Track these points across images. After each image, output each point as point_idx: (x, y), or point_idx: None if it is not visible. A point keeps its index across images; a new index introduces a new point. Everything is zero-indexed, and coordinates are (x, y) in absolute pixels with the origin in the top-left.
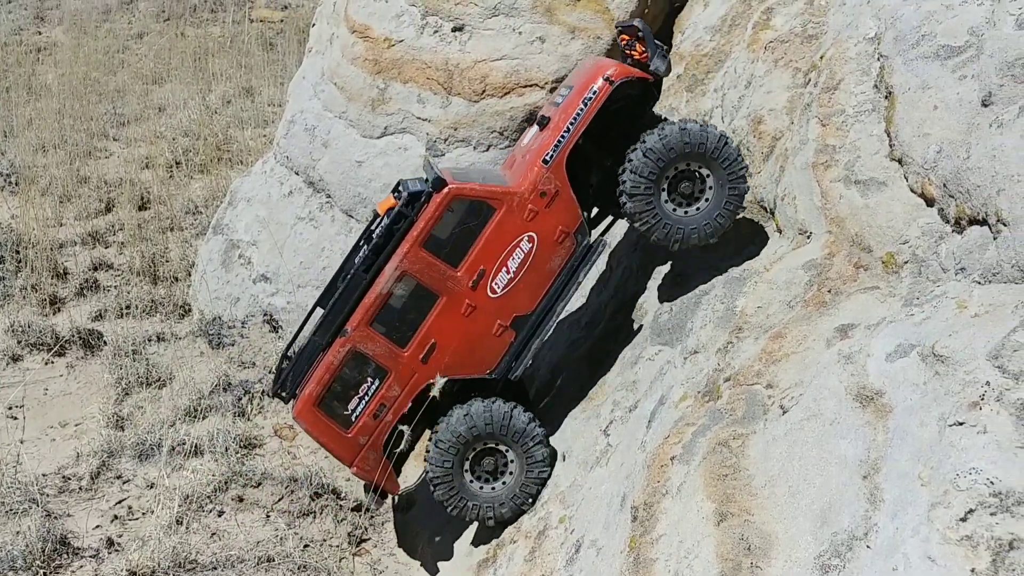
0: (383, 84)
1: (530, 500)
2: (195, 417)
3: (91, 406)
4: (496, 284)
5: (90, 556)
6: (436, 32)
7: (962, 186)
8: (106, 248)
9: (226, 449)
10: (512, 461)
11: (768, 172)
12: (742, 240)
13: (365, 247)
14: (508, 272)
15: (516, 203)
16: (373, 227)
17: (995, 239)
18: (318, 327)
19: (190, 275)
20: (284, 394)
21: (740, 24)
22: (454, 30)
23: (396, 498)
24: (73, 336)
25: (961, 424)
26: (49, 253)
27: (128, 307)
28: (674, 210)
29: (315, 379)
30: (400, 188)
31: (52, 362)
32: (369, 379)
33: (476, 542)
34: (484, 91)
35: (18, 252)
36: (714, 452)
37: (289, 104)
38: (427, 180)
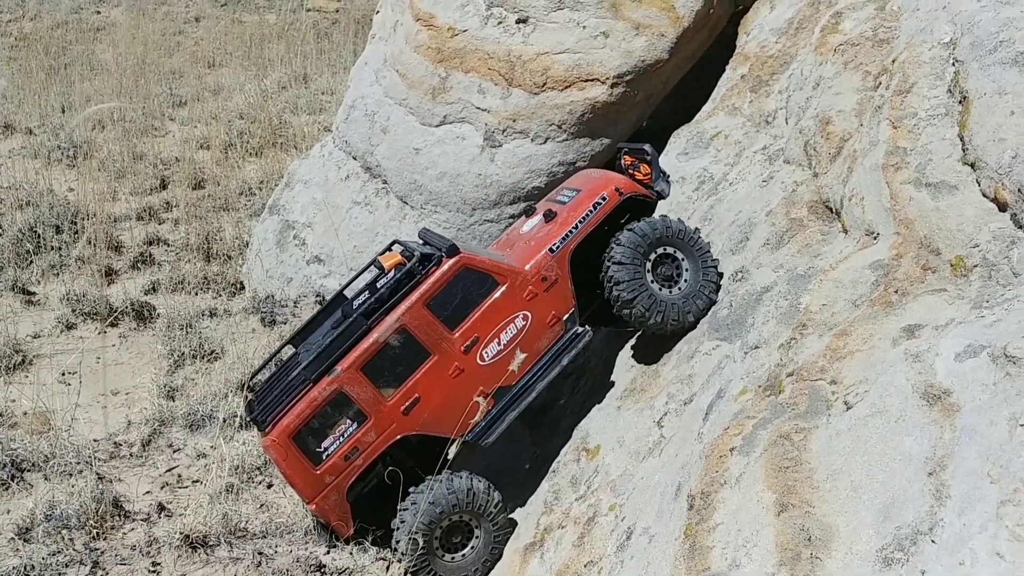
0: (445, 73)
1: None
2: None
3: (143, 376)
4: (487, 352)
5: (142, 519)
6: (500, 23)
7: None
8: (160, 224)
9: None
10: (477, 537)
11: (835, 173)
12: (806, 239)
13: (367, 295)
14: (500, 344)
15: (519, 282)
16: (378, 281)
17: None
18: (309, 363)
19: (243, 254)
20: (260, 419)
21: (807, 27)
22: (518, 22)
23: None
24: (127, 307)
25: None
26: (105, 226)
27: (181, 282)
28: (660, 288)
29: (295, 412)
30: (397, 246)
31: (105, 332)
32: (348, 421)
33: (523, 526)
34: (545, 84)
35: (75, 224)
36: (775, 444)
37: (350, 89)
38: (424, 243)
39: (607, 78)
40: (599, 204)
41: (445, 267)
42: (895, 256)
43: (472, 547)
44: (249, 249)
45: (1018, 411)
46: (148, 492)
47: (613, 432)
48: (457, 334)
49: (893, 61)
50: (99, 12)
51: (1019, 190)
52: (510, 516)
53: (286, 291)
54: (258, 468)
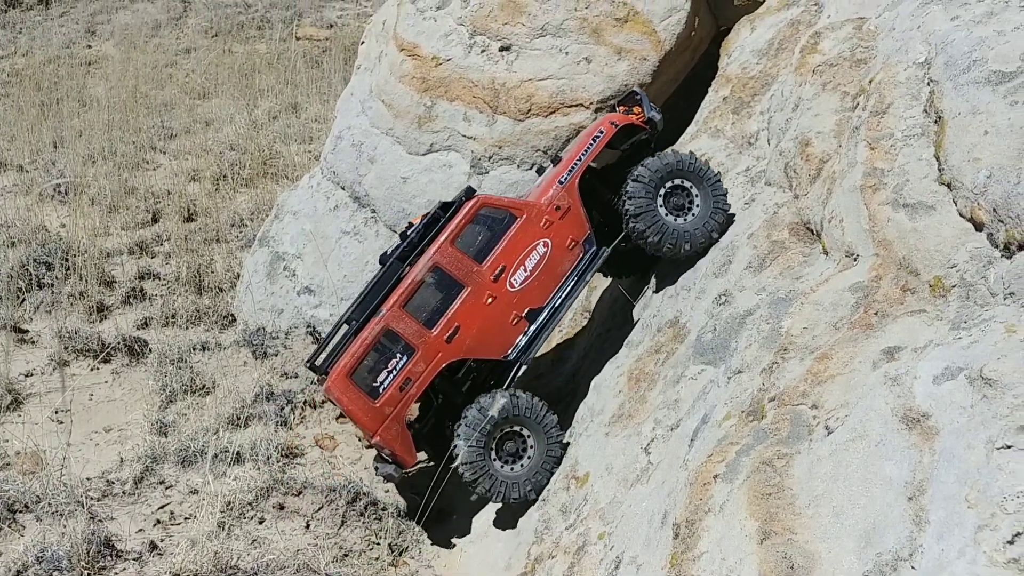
0: (430, 102)
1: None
2: (238, 425)
3: (135, 412)
4: (515, 279)
5: (133, 559)
6: (484, 51)
7: (1012, 211)
8: (152, 258)
9: (268, 457)
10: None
11: (815, 194)
12: (788, 261)
13: (402, 244)
14: (526, 270)
15: (535, 213)
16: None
17: None
18: (354, 307)
19: (235, 286)
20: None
21: (787, 48)
22: (501, 50)
23: (430, 510)
24: (119, 343)
25: (1009, 447)
26: (96, 261)
27: (173, 316)
28: (675, 219)
29: (349, 353)
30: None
31: (98, 368)
32: (398, 355)
33: (514, 556)
34: (529, 110)
35: (66, 260)
36: (758, 471)
37: (337, 120)
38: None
39: (591, 103)
40: (597, 137)
41: (466, 208)
42: (874, 278)
43: (527, 459)
44: (240, 281)
45: (995, 434)
46: (140, 530)
47: (602, 459)
48: (486, 266)
49: (870, 81)
50: (90, 46)
51: (995, 210)
52: (563, 441)
53: (277, 323)
54: (249, 504)
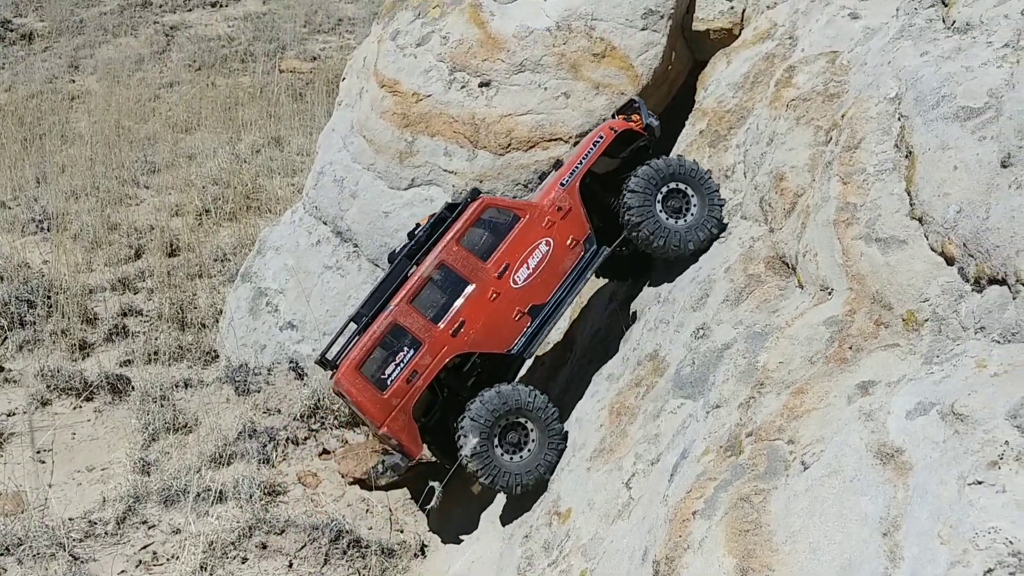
0: (411, 137)
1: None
2: (220, 463)
3: (118, 451)
4: (518, 276)
5: None
6: (463, 87)
7: (982, 246)
8: (135, 294)
9: (251, 496)
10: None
11: (790, 228)
12: (764, 295)
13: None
14: (528, 268)
15: (537, 213)
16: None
17: (1014, 299)
18: (364, 303)
19: (218, 322)
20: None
21: (762, 81)
22: (481, 85)
23: (417, 545)
24: (101, 381)
25: (980, 483)
26: (79, 298)
27: (156, 353)
28: (667, 218)
29: (359, 346)
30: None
31: (80, 407)
32: (406, 348)
33: None
34: (510, 145)
35: (49, 297)
36: (736, 507)
37: (318, 155)
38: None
39: (570, 137)
40: (598, 142)
41: (471, 208)
42: (848, 312)
43: (529, 450)
44: (222, 317)
45: (966, 470)
46: (123, 572)
47: (583, 494)
48: (490, 263)
49: (843, 116)
50: (73, 81)
51: (965, 244)
52: (563, 428)
53: (260, 359)
54: (232, 543)
